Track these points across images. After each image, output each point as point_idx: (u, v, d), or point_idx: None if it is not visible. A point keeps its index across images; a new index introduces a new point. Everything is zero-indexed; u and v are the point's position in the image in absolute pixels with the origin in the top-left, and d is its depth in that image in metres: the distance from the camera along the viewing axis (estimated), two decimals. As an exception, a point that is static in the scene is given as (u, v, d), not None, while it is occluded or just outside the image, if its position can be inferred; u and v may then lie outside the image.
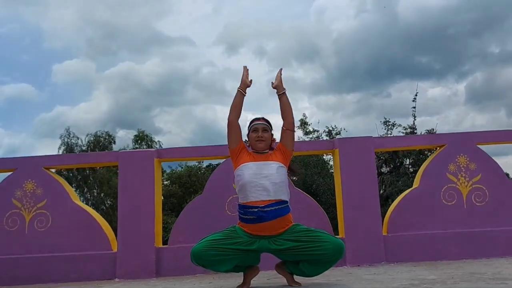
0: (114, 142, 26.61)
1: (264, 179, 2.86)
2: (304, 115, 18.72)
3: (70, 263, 4.29)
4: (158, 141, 28.14)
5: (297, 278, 3.15)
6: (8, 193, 4.47)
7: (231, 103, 3.07)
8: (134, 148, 26.22)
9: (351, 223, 4.30)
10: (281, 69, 3.18)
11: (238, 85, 3.11)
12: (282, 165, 2.99)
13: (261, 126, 3.07)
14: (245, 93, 3.11)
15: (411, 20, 42.60)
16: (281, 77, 3.13)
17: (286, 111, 3.09)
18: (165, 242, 4.67)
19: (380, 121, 17.50)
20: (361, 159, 4.40)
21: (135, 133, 27.75)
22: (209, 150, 4.61)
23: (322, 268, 2.95)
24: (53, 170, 4.78)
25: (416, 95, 15.79)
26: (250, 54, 50.15)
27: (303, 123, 18.44)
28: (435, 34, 39.97)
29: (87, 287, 3.68)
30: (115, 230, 4.45)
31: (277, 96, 3.11)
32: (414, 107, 15.75)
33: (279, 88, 3.10)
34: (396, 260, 4.24)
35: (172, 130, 43.51)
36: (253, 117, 3.26)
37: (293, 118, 3.09)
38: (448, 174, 4.46)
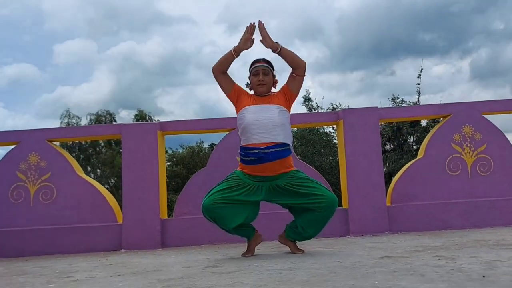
0: (115, 121, 26.64)
1: (265, 121, 2.87)
2: (307, 91, 18.55)
3: (76, 235, 4.32)
4: (158, 119, 28.07)
5: (300, 245, 3.17)
6: (12, 166, 4.48)
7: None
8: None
9: (354, 194, 4.29)
10: (260, 24, 2.97)
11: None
12: (284, 108, 2.97)
13: (261, 69, 3.00)
14: (237, 56, 3.00)
15: (415, -3, 41.92)
16: (267, 34, 2.96)
17: (293, 61, 2.98)
18: None
19: (388, 98, 17.37)
20: (366, 130, 4.36)
21: (137, 113, 27.75)
22: (213, 123, 4.59)
23: (319, 226, 2.98)
24: (57, 143, 4.78)
25: (421, 71, 15.62)
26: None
27: (307, 99, 18.32)
28: (438, 12, 39.49)
29: (93, 258, 3.72)
30: (121, 207, 4.47)
31: (277, 55, 3.00)
32: (419, 84, 15.60)
33: (272, 46, 2.97)
34: (400, 230, 4.25)
35: (175, 111, 43.43)
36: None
37: (303, 62, 2.97)
38: (453, 144, 4.43)
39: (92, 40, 45.58)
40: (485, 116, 4.51)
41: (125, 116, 37.79)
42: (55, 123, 26.67)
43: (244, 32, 2.97)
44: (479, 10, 42.02)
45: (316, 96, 18.47)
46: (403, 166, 14.67)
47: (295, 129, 16.75)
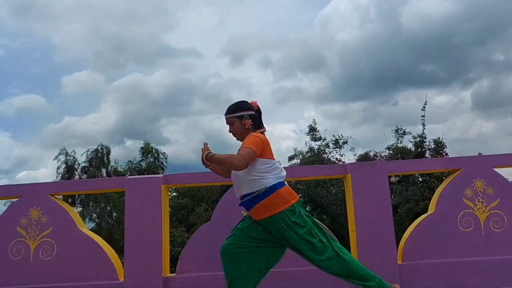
0: (109, 153, 26.63)
1: (233, 174, 2.96)
2: (314, 121, 18.61)
3: (75, 293, 4.17)
4: (164, 152, 28.05)
5: None
6: (13, 221, 4.38)
7: (226, 160, 2.84)
8: (140, 160, 26.21)
9: (364, 251, 4.15)
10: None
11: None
12: None
13: (227, 121, 3.02)
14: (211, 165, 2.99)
15: (415, 30, 42.74)
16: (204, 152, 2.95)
17: (224, 165, 2.95)
18: (171, 256, 4.56)
19: (391, 129, 17.42)
20: (374, 185, 4.26)
21: (142, 143, 27.77)
22: (219, 176, 4.49)
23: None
24: (59, 197, 4.70)
25: (425, 104, 15.64)
26: (255, 64, 50.42)
27: (312, 129, 18.35)
28: (438, 43, 40.04)
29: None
30: (118, 243, 4.33)
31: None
32: (423, 116, 15.59)
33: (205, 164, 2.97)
34: (412, 290, 4.09)
35: (179, 140, 43.69)
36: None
37: (230, 162, 2.79)
38: (464, 199, 4.31)
39: (99, 72, 46.57)
40: (496, 170, 4.41)
41: (130, 146, 38.02)
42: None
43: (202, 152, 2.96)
44: (479, 42, 42.59)
45: (320, 125, 18.61)
46: (407, 198, 14.55)
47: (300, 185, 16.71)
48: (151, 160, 26.45)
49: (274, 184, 2.81)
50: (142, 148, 26.97)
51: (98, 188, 4.69)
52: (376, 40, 43.12)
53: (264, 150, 2.87)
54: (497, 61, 40.32)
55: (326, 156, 17.93)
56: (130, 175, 24.34)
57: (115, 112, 44.75)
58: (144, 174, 22.31)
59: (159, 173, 24.04)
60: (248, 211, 2.92)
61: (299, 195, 17.19)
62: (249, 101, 3.04)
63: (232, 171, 2.96)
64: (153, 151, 26.89)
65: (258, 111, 3.06)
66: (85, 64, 47.73)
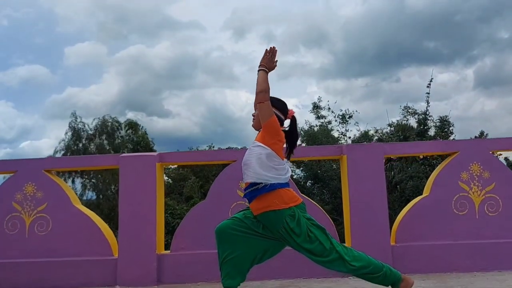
0: (121, 128, 26.41)
1: (244, 161, 2.81)
2: (318, 98, 18.35)
3: (70, 268, 4.22)
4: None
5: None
6: (8, 196, 4.39)
7: (264, 85, 2.73)
8: (126, 135, 26.20)
9: (358, 232, 4.17)
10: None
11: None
12: (259, 143, 2.75)
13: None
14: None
15: (419, 7, 41.77)
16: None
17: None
18: (172, 227, 4.58)
19: (400, 106, 17.19)
20: (370, 167, 4.24)
21: (145, 115, 27.30)
22: (213, 154, 4.49)
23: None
24: (54, 172, 4.69)
25: (431, 81, 15.35)
26: (258, 38, 49.70)
27: (316, 107, 18.21)
28: (443, 20, 39.19)
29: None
30: (117, 218, 4.34)
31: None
32: (428, 93, 15.33)
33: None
34: (404, 271, 4.06)
35: (181, 113, 43.46)
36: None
37: (257, 91, 2.74)
38: (460, 182, 4.29)
39: (102, 43, 46.00)
40: (493, 154, 4.37)
41: (131, 117, 37.96)
42: (63, 124, 26.53)
43: (271, 55, 2.80)
44: (484, 19, 41.70)
45: (321, 101, 18.30)
46: (409, 175, 14.51)
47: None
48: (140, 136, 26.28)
49: (276, 183, 2.72)
50: (127, 124, 26.51)
51: (92, 165, 4.69)
52: (380, 17, 42.29)
53: (278, 138, 2.78)
54: (501, 38, 39.58)
55: (331, 129, 17.82)
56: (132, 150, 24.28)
57: (117, 84, 44.51)
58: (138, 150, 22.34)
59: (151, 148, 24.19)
60: (249, 204, 2.81)
61: (301, 168, 17.23)
62: (289, 108, 2.96)
63: (244, 157, 2.81)
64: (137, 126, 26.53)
65: (292, 122, 2.93)
66: (88, 35, 47.19)
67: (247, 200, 2.81)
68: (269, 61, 2.79)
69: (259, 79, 2.76)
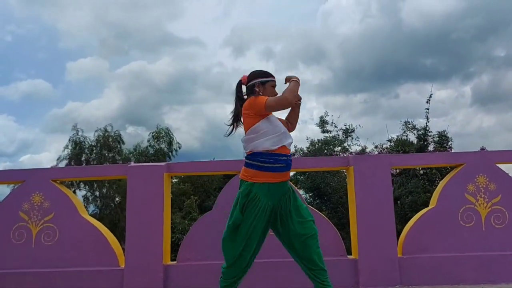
0: (123, 143, 26.25)
1: (286, 131, 2.92)
2: (326, 113, 18.54)
3: (77, 278, 4.21)
4: (174, 137, 27.31)
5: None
6: (15, 205, 4.40)
7: (294, 90, 2.87)
8: (149, 146, 26.03)
9: (365, 244, 4.16)
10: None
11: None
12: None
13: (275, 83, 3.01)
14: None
15: (415, 25, 42.63)
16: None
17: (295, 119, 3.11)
18: (172, 243, 4.58)
19: (400, 121, 17.33)
20: (377, 178, 4.25)
21: (145, 129, 27.24)
22: (220, 165, 4.51)
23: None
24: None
25: (430, 96, 15.51)
26: (257, 55, 50.28)
27: (323, 122, 18.30)
28: (439, 39, 39.82)
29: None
30: (122, 230, 4.35)
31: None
32: (428, 109, 15.48)
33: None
34: (411, 284, 4.11)
35: (181, 128, 43.64)
36: None
37: (291, 97, 2.87)
38: (466, 194, 4.30)
39: (104, 59, 46.48)
40: (499, 166, 4.39)
41: (131, 132, 38.06)
42: (63, 138, 26.54)
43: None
44: (480, 38, 42.30)
45: (328, 116, 18.52)
46: (409, 190, 14.52)
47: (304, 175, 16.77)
48: (162, 147, 25.94)
49: None
50: (153, 132, 26.26)
51: (100, 174, 4.71)
52: (377, 35, 43.02)
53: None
54: (498, 56, 40.04)
55: (331, 147, 17.90)
56: (136, 161, 24.17)
57: (118, 99, 44.84)
58: (150, 161, 22.31)
59: (165, 160, 24.00)
60: (286, 171, 2.84)
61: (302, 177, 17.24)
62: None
63: (281, 125, 2.90)
64: (164, 135, 26.10)
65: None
66: (90, 51, 47.80)
67: (284, 166, 2.80)
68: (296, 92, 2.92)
69: (295, 88, 2.89)
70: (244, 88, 3.05)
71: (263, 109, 2.79)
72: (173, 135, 26.57)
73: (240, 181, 2.90)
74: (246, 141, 2.87)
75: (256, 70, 3.04)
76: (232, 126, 3.05)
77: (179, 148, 26.75)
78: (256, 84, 2.95)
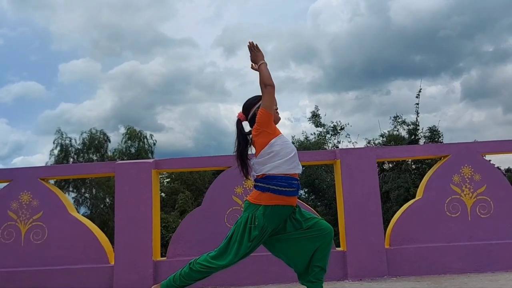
0: (109, 141, 26.36)
1: (296, 153, 2.82)
2: (316, 107, 18.67)
3: (67, 276, 4.21)
4: (151, 134, 27.54)
5: None
6: (3, 204, 4.39)
7: (267, 75, 2.80)
8: (130, 146, 26.13)
9: (352, 236, 4.21)
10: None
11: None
12: None
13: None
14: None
15: (404, 23, 43.12)
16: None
17: None
18: (165, 241, 4.59)
19: (390, 117, 17.48)
20: (363, 170, 4.30)
21: (138, 130, 27.32)
22: (208, 161, 4.52)
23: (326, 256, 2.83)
24: (51, 182, 4.70)
25: (419, 91, 15.66)
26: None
27: (315, 115, 18.38)
28: (427, 36, 40.25)
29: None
30: (113, 230, 4.35)
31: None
32: (417, 104, 15.62)
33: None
34: (399, 274, 4.16)
35: (175, 128, 43.60)
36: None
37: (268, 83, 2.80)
38: (452, 185, 4.36)
39: (96, 60, 46.34)
40: (484, 156, 4.46)
41: (123, 132, 37.95)
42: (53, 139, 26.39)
43: (256, 51, 2.91)
44: (467, 35, 42.85)
45: (320, 110, 18.71)
46: (398, 184, 14.62)
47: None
48: (139, 145, 26.17)
49: None
50: (126, 133, 26.47)
51: (88, 172, 4.70)
52: (366, 33, 43.41)
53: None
54: (486, 52, 40.59)
55: (325, 142, 18.00)
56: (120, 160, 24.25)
57: (111, 99, 44.76)
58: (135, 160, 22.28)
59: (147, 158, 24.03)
60: (294, 196, 2.78)
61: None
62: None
63: (292, 147, 2.83)
64: (140, 136, 26.43)
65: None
66: (82, 53, 47.64)
67: (295, 190, 2.75)
68: (260, 54, 2.88)
69: (266, 72, 2.82)
70: (245, 123, 2.96)
71: (267, 115, 2.75)
72: (145, 134, 26.82)
73: (248, 204, 2.76)
74: (258, 164, 2.77)
75: (246, 101, 2.98)
76: (242, 168, 2.91)
77: (154, 143, 27.00)
78: (256, 112, 2.84)
